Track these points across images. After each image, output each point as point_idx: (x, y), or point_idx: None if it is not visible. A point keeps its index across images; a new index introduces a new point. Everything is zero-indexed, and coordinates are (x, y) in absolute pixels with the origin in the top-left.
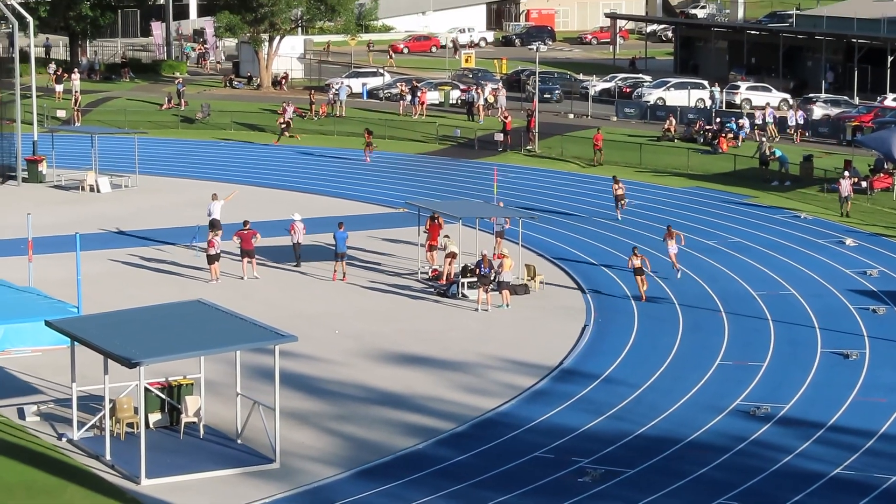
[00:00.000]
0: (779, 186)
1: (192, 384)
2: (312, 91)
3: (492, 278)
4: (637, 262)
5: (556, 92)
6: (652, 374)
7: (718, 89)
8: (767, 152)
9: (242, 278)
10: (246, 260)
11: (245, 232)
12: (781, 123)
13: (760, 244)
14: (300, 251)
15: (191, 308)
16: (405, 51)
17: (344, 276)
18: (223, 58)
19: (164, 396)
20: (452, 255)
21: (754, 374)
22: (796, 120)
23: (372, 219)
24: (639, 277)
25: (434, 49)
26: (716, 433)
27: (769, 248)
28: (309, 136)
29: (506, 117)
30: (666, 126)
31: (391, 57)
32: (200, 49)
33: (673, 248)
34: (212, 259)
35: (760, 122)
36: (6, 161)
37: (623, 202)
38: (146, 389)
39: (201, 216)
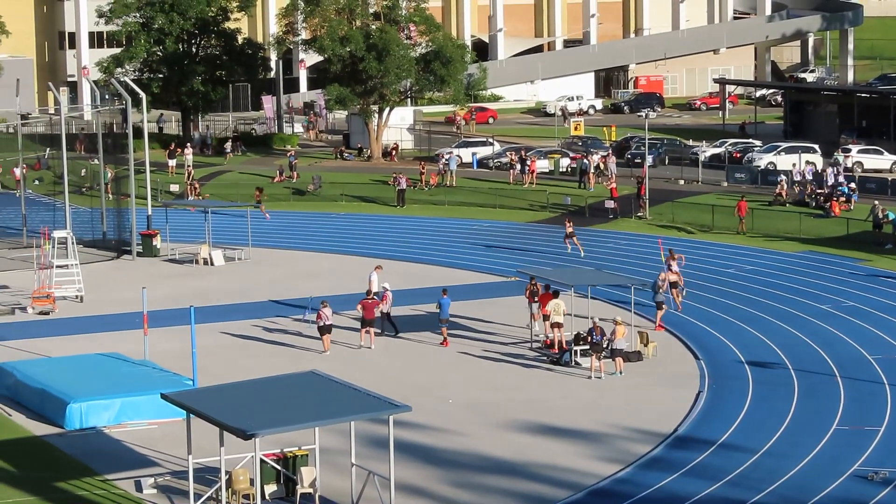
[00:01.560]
0: (893, 249)
1: (307, 455)
2: (423, 161)
3: (604, 346)
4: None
5: (652, 157)
6: (768, 439)
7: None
8: (881, 215)
9: (360, 347)
10: (365, 330)
11: (369, 301)
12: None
13: (875, 308)
14: (392, 320)
15: (305, 379)
16: (462, 122)
17: (446, 342)
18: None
19: (279, 468)
20: (558, 325)
21: (871, 439)
22: None
23: (483, 288)
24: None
25: (491, 120)
26: (834, 499)
27: (884, 312)
28: (420, 206)
29: (613, 185)
30: (777, 190)
31: (458, 129)
32: (313, 119)
33: (675, 267)
34: (323, 330)
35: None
36: (121, 236)
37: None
38: (262, 461)
39: (313, 288)
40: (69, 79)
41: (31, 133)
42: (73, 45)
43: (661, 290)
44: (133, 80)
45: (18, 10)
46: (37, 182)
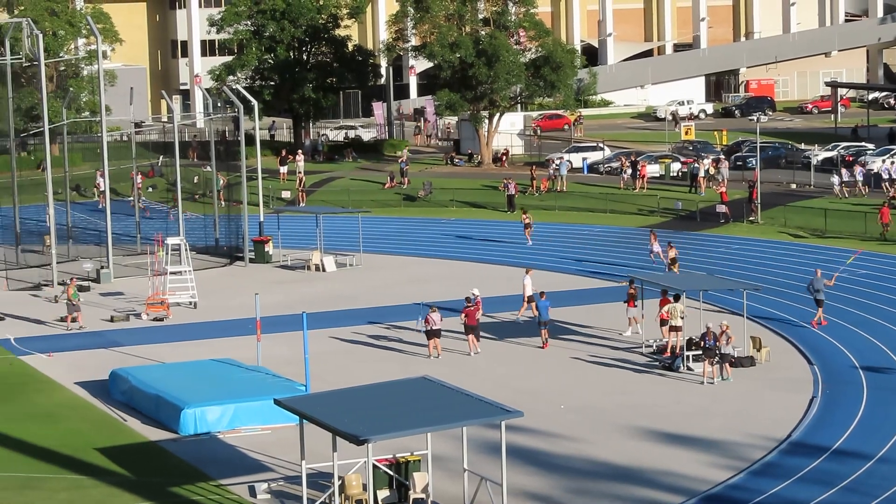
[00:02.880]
0: None
1: (419, 460)
2: (533, 167)
3: (716, 351)
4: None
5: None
6: (883, 445)
7: None
8: None
9: (468, 354)
10: (472, 336)
11: (470, 308)
12: None
13: None
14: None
15: (416, 385)
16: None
17: (545, 344)
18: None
19: (392, 473)
20: (676, 329)
21: None
22: None
23: (596, 293)
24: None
25: (566, 128)
26: None
27: None
28: (530, 211)
29: (723, 189)
30: (892, 193)
31: (536, 134)
32: (423, 126)
33: (656, 247)
34: (431, 335)
35: None
36: (234, 242)
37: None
38: (374, 466)
39: (424, 293)
40: (182, 87)
41: (144, 141)
42: (185, 54)
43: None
44: (245, 88)
45: (132, 19)
46: (150, 189)
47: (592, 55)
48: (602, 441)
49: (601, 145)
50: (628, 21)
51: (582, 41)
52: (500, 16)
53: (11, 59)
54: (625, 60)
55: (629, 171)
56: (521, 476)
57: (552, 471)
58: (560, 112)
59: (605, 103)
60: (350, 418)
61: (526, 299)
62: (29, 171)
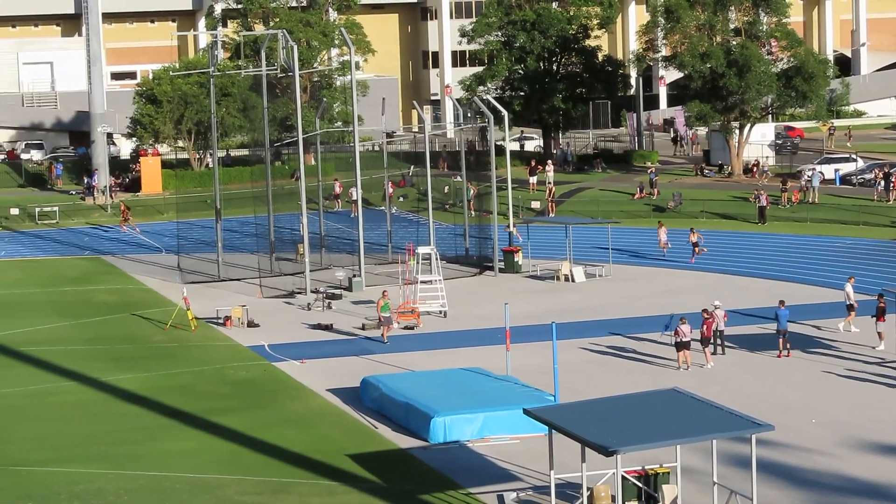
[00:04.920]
0: None
1: (668, 473)
2: (784, 178)
3: None
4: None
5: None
6: None
7: None
8: None
9: (704, 366)
10: (707, 349)
11: (708, 320)
12: None
13: None
14: (722, 339)
15: (666, 396)
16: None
17: (786, 353)
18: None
19: (640, 485)
20: None
21: None
22: None
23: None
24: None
25: (798, 140)
26: None
27: None
28: (781, 223)
29: None
30: None
31: (793, 146)
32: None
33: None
34: (681, 346)
35: None
36: (483, 252)
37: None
38: (623, 478)
39: (674, 305)
40: (432, 97)
41: (395, 151)
42: (436, 65)
43: None
44: (495, 98)
45: (384, 30)
46: (401, 199)
47: (845, 65)
48: (853, 457)
49: (854, 157)
50: (882, 30)
51: (834, 51)
52: (751, 26)
53: (267, 70)
54: (879, 70)
55: (883, 182)
56: (771, 490)
57: (802, 486)
58: (792, 125)
59: (858, 114)
60: (599, 429)
61: (849, 307)
62: (283, 180)
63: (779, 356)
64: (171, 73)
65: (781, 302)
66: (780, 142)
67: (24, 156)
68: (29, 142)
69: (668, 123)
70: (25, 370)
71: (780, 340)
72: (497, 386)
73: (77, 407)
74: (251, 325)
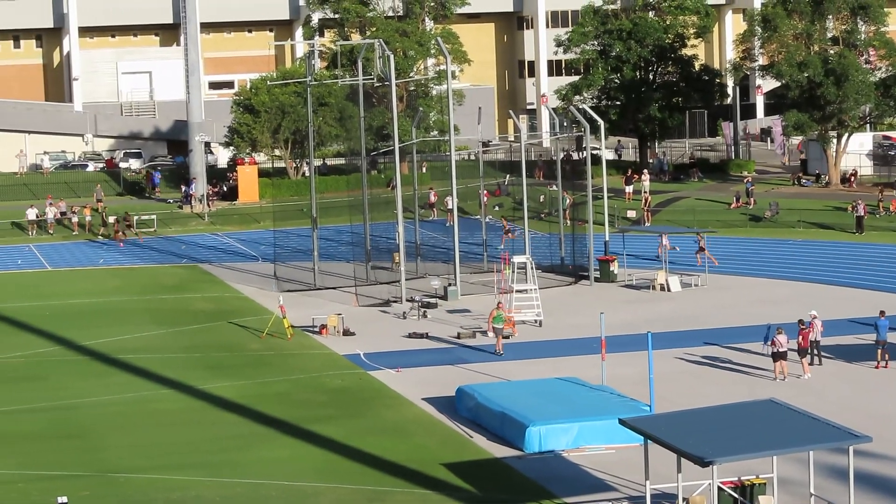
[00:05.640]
0: None
1: (765, 484)
2: (881, 187)
3: None
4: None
5: None
6: None
7: None
8: None
9: (799, 377)
10: (804, 360)
11: (805, 330)
12: None
13: None
14: (819, 349)
15: (763, 407)
16: None
17: (885, 364)
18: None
19: (737, 496)
20: None
21: None
22: None
23: None
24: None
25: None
26: None
27: None
28: (879, 233)
29: None
30: None
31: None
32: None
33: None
34: (777, 357)
35: None
36: (579, 261)
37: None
38: (719, 489)
39: (770, 315)
40: (528, 106)
41: (491, 160)
42: (532, 74)
43: None
44: (591, 108)
45: (480, 40)
46: (497, 208)
47: None
48: None
49: None
50: None
51: None
52: (849, 34)
53: (364, 80)
54: None
55: None
56: (869, 502)
57: None
58: (889, 134)
59: None
60: (695, 439)
61: None
62: (379, 188)
63: (877, 367)
64: (268, 82)
65: (882, 312)
66: (886, 145)
67: (122, 164)
68: (127, 150)
69: (766, 133)
70: (123, 378)
71: (879, 351)
72: (592, 396)
73: (174, 415)
74: (347, 333)
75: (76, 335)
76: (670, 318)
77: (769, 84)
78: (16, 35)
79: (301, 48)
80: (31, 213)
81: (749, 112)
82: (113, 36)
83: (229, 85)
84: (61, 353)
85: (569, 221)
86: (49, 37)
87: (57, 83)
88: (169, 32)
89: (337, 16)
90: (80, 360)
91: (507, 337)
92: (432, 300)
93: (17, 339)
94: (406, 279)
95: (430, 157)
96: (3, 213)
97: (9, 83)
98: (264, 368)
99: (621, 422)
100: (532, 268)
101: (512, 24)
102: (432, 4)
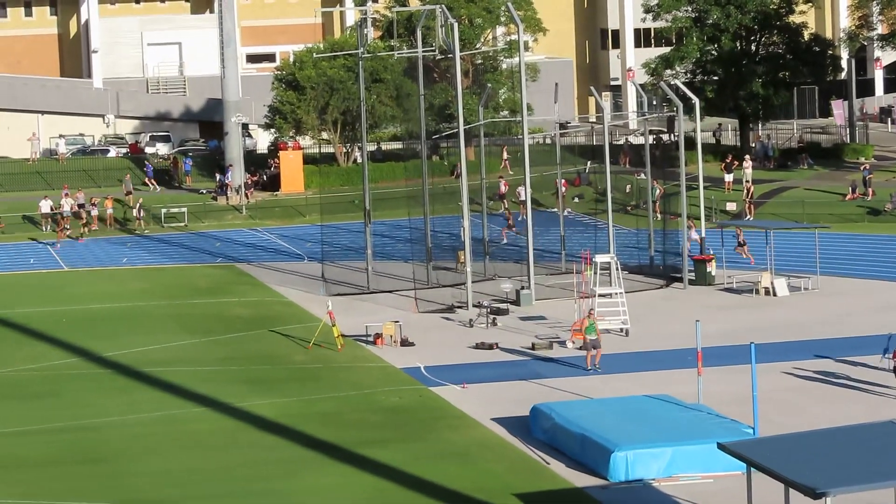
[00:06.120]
0: None
1: None
2: None
3: None
4: None
5: None
6: None
7: None
8: None
9: None
10: None
11: None
12: None
13: None
14: None
15: (883, 430)
16: None
17: None
18: None
19: None
20: None
21: None
22: None
23: None
24: None
25: None
26: None
27: None
28: None
29: None
30: None
31: None
32: None
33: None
34: None
35: None
36: (670, 261)
37: None
38: None
39: (892, 323)
40: (612, 82)
41: (570, 144)
42: (616, 45)
43: None
44: (684, 84)
45: (557, 6)
46: (576, 199)
47: None
48: None
49: None
50: None
51: None
52: None
53: (423, 52)
54: None
55: None
56: None
57: None
58: None
59: None
60: (805, 467)
61: None
62: (441, 177)
63: None
64: (314, 55)
65: None
66: None
67: (148, 149)
68: (154, 133)
69: (886, 113)
70: (150, 394)
71: None
72: (687, 416)
73: (208, 436)
74: (405, 343)
75: (96, 345)
76: (776, 326)
77: (889, 56)
78: (27, 1)
79: (352, 15)
80: (45, 206)
81: (866, 89)
82: (137, 2)
83: (270, 58)
84: (79, 365)
85: (659, 215)
86: (65, 3)
87: (74, 56)
88: None
89: None
90: (101, 373)
91: (582, 349)
92: (503, 306)
93: (30, 349)
94: (473, 282)
95: (500, 141)
96: (13, 205)
97: (19, 56)
98: (311, 384)
99: (720, 446)
100: (617, 269)
101: None
102: None
